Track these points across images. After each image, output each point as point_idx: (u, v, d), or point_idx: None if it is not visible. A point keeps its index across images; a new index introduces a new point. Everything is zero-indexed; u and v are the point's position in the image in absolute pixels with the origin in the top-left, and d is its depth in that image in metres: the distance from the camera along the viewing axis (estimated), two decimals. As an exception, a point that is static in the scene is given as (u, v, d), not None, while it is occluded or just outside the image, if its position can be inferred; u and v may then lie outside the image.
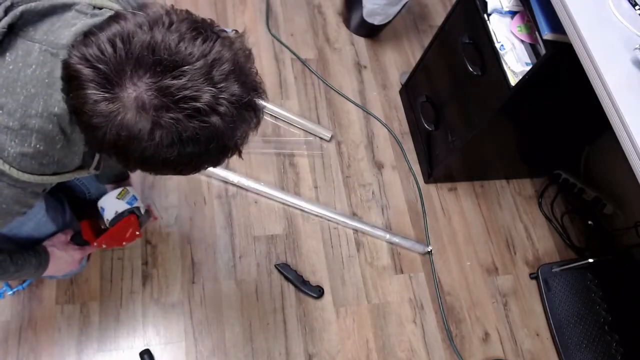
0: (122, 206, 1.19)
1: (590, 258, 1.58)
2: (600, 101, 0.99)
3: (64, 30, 0.69)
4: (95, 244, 1.20)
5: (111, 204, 1.19)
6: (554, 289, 1.62)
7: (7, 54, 0.67)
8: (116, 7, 0.78)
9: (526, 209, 1.80)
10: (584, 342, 1.55)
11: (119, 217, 1.18)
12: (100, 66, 0.59)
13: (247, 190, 1.59)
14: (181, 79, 0.59)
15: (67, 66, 0.63)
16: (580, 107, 1.37)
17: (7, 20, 0.67)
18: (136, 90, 0.59)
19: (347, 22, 2.01)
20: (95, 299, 1.35)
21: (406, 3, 1.80)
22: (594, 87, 1.01)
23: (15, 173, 0.70)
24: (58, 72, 0.68)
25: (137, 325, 1.35)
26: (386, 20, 1.88)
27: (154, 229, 1.47)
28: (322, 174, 1.69)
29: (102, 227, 1.25)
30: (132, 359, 1.31)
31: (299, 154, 1.70)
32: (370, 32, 1.99)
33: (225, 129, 0.63)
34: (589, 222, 1.78)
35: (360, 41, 2.00)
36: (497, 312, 1.59)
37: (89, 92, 0.60)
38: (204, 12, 1.88)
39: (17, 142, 0.68)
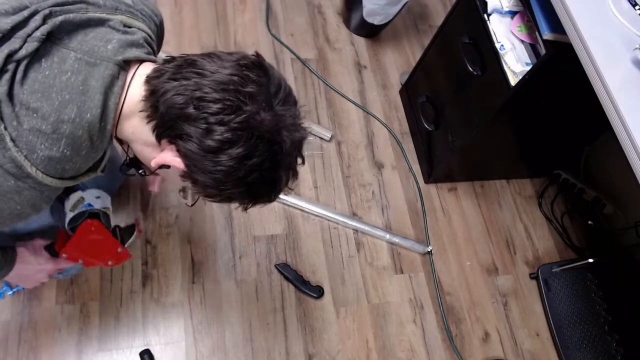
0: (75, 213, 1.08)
1: (590, 258, 1.58)
2: (600, 101, 0.99)
3: (98, 42, 0.73)
4: (63, 255, 1.09)
5: (67, 214, 1.09)
6: (554, 289, 1.62)
7: (43, 59, 0.69)
8: (143, 26, 0.82)
9: (526, 209, 1.80)
10: (584, 342, 1.55)
11: (74, 221, 1.07)
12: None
13: (247, 190, 1.59)
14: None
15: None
16: (580, 107, 1.37)
17: (46, 27, 0.69)
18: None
19: (347, 22, 2.01)
20: (95, 299, 1.35)
21: (406, 3, 1.80)
22: (594, 87, 1.01)
23: (40, 176, 0.72)
24: (92, 81, 0.71)
25: (137, 325, 1.35)
26: (386, 20, 1.88)
27: (154, 228, 1.47)
28: (322, 174, 1.69)
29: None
30: (132, 359, 1.31)
31: (299, 154, 1.70)
32: (370, 32, 1.99)
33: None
34: (589, 222, 1.78)
35: (360, 41, 2.00)
36: (497, 312, 1.59)
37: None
38: (204, 12, 1.88)
39: (47, 146, 0.70)
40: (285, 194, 0.76)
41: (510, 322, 1.59)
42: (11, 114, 0.67)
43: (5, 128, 0.67)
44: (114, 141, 0.83)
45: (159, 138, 0.74)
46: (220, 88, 0.68)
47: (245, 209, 0.79)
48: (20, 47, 0.67)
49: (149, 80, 0.74)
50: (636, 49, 1.02)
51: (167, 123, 0.72)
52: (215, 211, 1.54)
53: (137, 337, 1.33)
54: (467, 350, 1.52)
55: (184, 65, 0.72)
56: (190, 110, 0.69)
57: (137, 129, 0.76)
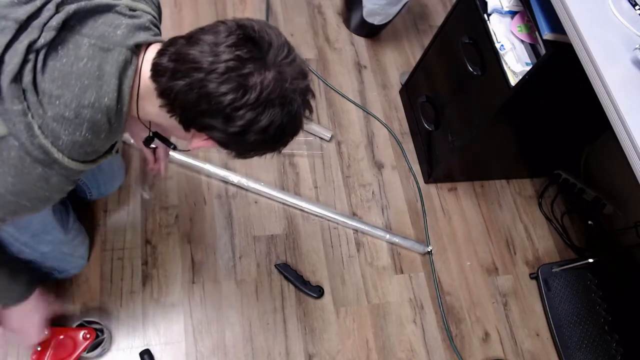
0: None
1: (590, 258, 1.58)
2: (600, 101, 0.99)
3: (107, 27, 0.76)
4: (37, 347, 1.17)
5: None
6: (554, 289, 1.62)
7: (59, 47, 0.72)
8: (147, 9, 0.85)
9: (526, 209, 1.80)
10: (584, 342, 1.55)
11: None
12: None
13: (247, 190, 1.59)
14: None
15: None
16: (580, 107, 1.37)
17: (61, 16, 0.72)
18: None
19: (347, 22, 2.01)
20: (95, 299, 1.35)
21: (406, 3, 1.80)
22: (594, 87, 1.01)
23: (66, 161, 0.75)
24: (107, 66, 0.74)
25: (137, 325, 1.35)
26: (386, 20, 1.88)
27: (154, 228, 1.47)
28: (322, 174, 1.69)
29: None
30: (132, 359, 1.31)
31: (299, 154, 1.70)
32: (370, 32, 1.99)
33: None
34: (589, 222, 1.78)
35: (360, 41, 2.00)
36: (497, 312, 1.59)
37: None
38: (203, 11, 1.88)
39: (70, 131, 0.73)
40: (307, 123, 0.84)
41: (510, 322, 1.59)
42: (36, 103, 0.70)
43: (32, 117, 0.70)
44: (138, 120, 0.87)
45: (186, 129, 0.78)
46: (224, 79, 0.70)
47: (280, 152, 0.85)
48: (39, 37, 0.70)
49: (154, 79, 0.76)
50: (636, 49, 1.02)
51: (189, 119, 0.76)
52: (215, 211, 1.54)
53: (137, 337, 1.33)
54: (467, 350, 1.52)
55: (179, 61, 0.73)
56: (205, 106, 0.72)
57: (164, 117, 0.79)
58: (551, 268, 1.64)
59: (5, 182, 0.73)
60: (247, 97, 0.71)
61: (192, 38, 0.74)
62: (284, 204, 1.60)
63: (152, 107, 0.79)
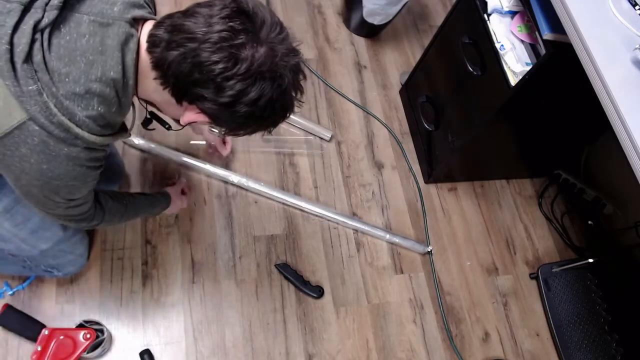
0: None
1: (590, 258, 1.58)
2: (600, 101, 0.99)
3: (104, 5, 0.78)
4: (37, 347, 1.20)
5: None
6: (554, 289, 1.62)
7: (61, 26, 0.74)
8: None
9: (526, 209, 1.80)
10: (584, 342, 1.55)
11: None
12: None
13: (247, 190, 1.59)
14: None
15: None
16: (580, 107, 1.37)
17: None
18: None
19: (347, 22, 2.01)
20: (95, 299, 1.35)
21: (406, 3, 1.80)
22: (594, 87, 1.01)
23: (87, 135, 0.77)
24: (108, 40, 0.76)
25: (137, 325, 1.35)
26: (386, 20, 1.88)
27: (154, 228, 1.47)
28: (322, 174, 1.69)
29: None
30: (132, 359, 1.31)
31: (299, 153, 1.70)
32: (370, 32, 1.99)
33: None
34: (589, 222, 1.78)
35: (360, 41, 2.00)
36: (497, 312, 1.59)
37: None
38: (204, 12, 1.88)
39: (83, 107, 0.76)
40: (299, 107, 0.87)
41: (510, 322, 1.59)
42: (49, 82, 0.72)
43: (47, 96, 0.72)
44: (137, 101, 0.90)
45: (179, 101, 0.81)
46: (216, 48, 0.73)
47: (270, 133, 0.87)
48: (42, 17, 0.72)
49: (149, 50, 0.78)
50: (636, 49, 1.02)
51: (181, 90, 0.79)
52: (215, 211, 1.54)
53: (137, 337, 1.33)
54: (467, 350, 1.52)
55: (174, 32, 0.76)
56: (197, 75, 0.75)
57: (158, 91, 0.81)
58: (551, 268, 1.65)
59: (43, 171, 0.76)
60: (238, 68, 0.73)
61: (188, 11, 0.77)
62: (284, 204, 1.60)
63: (149, 83, 0.81)
